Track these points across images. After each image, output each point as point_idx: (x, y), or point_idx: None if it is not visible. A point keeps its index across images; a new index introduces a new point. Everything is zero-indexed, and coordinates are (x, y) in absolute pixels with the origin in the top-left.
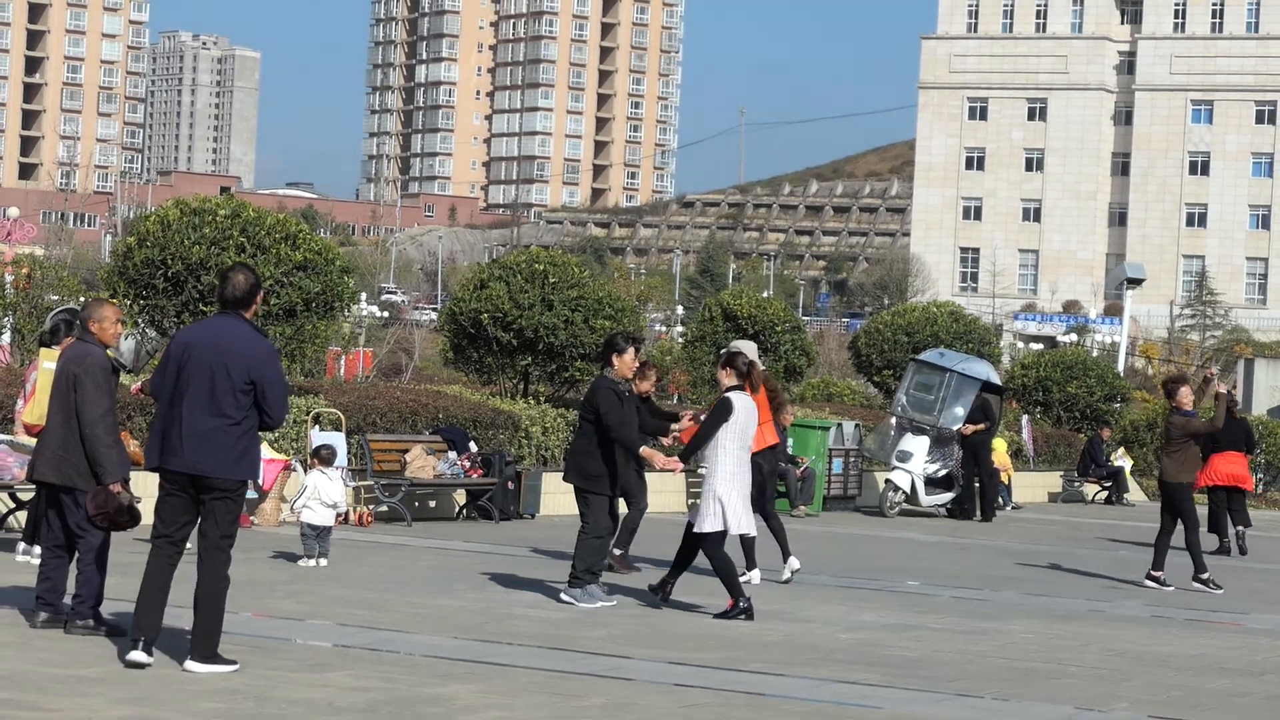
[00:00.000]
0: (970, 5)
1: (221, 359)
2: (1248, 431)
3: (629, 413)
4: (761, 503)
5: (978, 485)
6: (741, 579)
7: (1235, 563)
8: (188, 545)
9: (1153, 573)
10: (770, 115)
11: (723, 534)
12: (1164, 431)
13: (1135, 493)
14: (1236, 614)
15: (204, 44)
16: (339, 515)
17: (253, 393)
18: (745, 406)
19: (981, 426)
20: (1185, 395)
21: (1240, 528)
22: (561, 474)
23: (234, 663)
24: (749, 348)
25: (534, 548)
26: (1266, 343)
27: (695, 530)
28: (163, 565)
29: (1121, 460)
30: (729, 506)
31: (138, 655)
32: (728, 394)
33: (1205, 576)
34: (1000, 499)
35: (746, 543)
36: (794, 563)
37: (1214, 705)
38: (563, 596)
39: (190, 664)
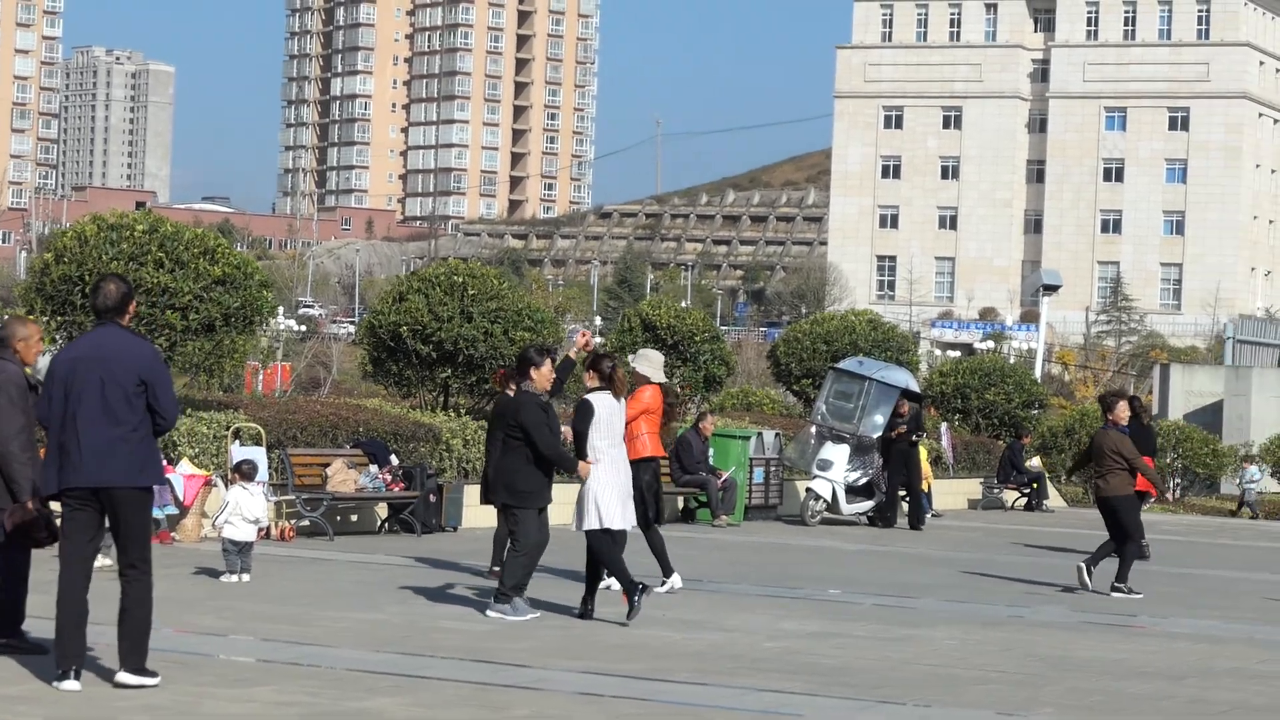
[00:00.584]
0: (884, 15)
1: (108, 367)
2: (1154, 437)
3: (555, 426)
4: (642, 515)
5: (905, 494)
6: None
7: (1150, 567)
8: (99, 562)
9: (1117, 584)
10: (687, 125)
11: (604, 531)
12: (1093, 447)
13: (1054, 498)
14: (1156, 618)
15: (118, 59)
16: (260, 530)
17: (145, 395)
18: (606, 404)
19: (902, 429)
20: (1122, 410)
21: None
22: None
23: (155, 675)
24: (655, 357)
25: (457, 561)
26: (1181, 348)
27: (577, 530)
28: (77, 585)
29: (1035, 466)
30: (603, 504)
31: (70, 684)
32: (587, 395)
33: (1127, 586)
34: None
35: (657, 548)
36: (676, 581)
37: (1135, 709)
38: (490, 612)
39: (122, 675)
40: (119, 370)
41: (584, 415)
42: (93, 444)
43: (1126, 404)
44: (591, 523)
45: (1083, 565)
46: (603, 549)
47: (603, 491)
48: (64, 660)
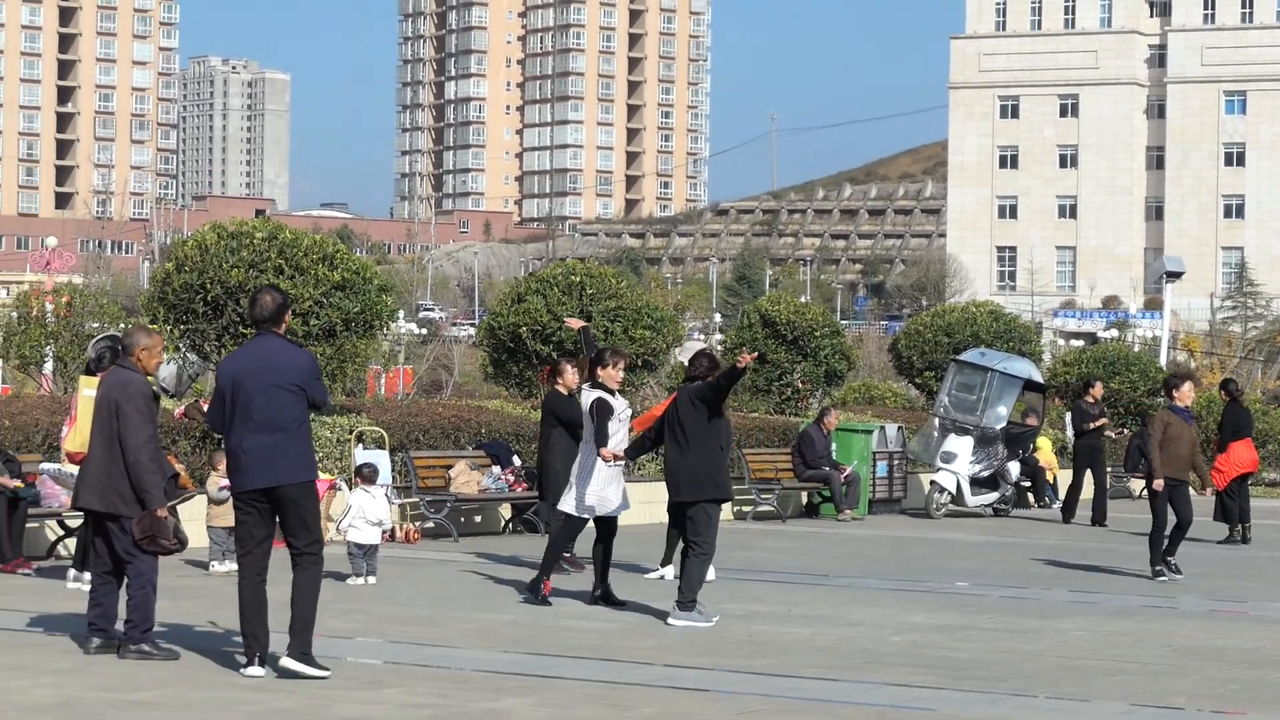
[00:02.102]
0: (998, 4)
1: (268, 376)
2: (1250, 419)
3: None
4: None
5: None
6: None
7: (1265, 553)
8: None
9: (1168, 560)
10: (801, 120)
11: (573, 517)
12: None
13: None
14: None
15: (234, 68)
16: (385, 533)
17: (304, 397)
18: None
19: (1104, 421)
20: (1187, 392)
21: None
22: (680, 496)
23: (326, 670)
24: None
25: (580, 560)
26: None
27: (552, 506)
28: (253, 583)
29: None
30: (581, 493)
31: (254, 670)
32: (601, 394)
33: (1159, 568)
34: (1046, 497)
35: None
36: (669, 572)
37: (1271, 698)
38: (674, 621)
39: (285, 660)
40: (278, 377)
41: (605, 414)
42: (256, 448)
43: (1191, 385)
44: (568, 507)
45: (1159, 570)
46: (561, 531)
47: (581, 482)
48: (248, 649)
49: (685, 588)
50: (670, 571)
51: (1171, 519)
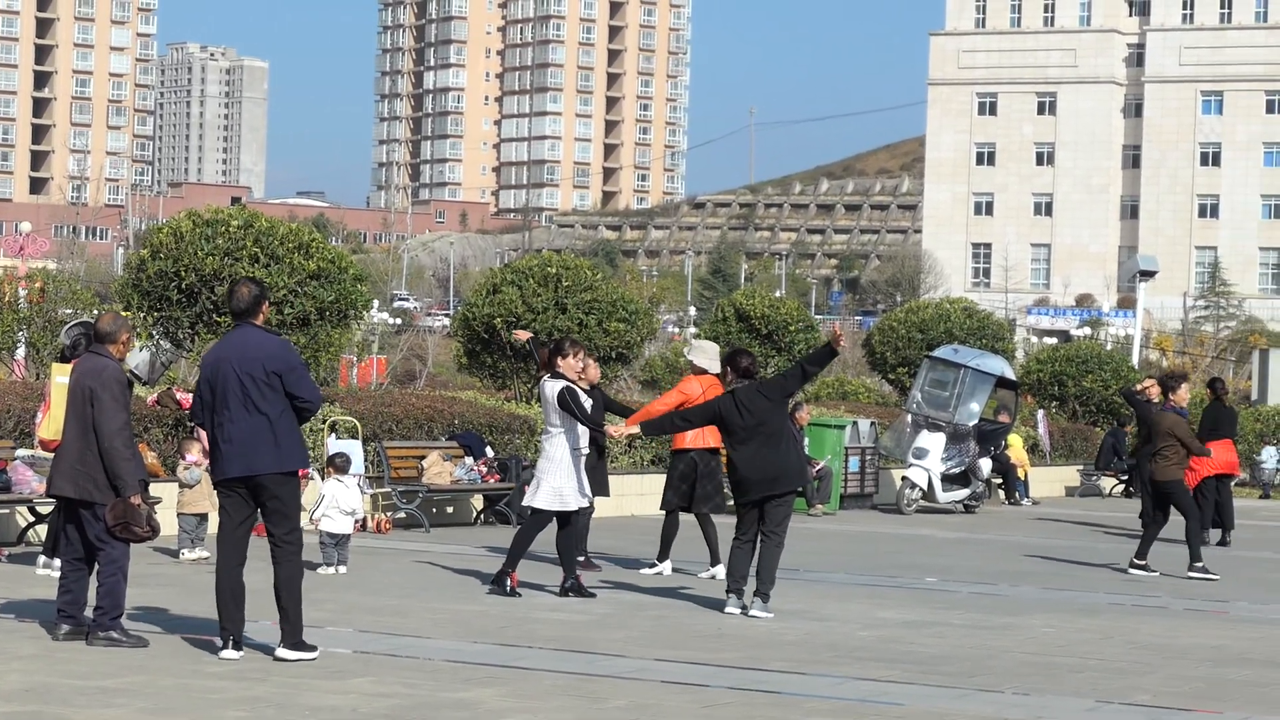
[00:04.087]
0: (978, 1)
1: (243, 365)
2: (1237, 419)
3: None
4: (687, 499)
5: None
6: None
7: (1252, 553)
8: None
9: (1136, 561)
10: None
11: (541, 511)
12: (1146, 427)
13: None
14: (1257, 604)
15: (212, 55)
16: (357, 523)
17: (280, 385)
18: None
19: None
20: (1184, 393)
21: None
22: (774, 489)
23: (315, 649)
24: (710, 348)
25: (552, 551)
26: None
27: (524, 502)
28: (231, 566)
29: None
30: (551, 486)
31: (229, 653)
32: (565, 382)
33: (1201, 565)
34: (1017, 493)
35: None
36: (719, 571)
37: (1236, 696)
38: (756, 613)
39: (280, 650)
40: (252, 365)
41: (576, 396)
42: (237, 437)
43: (1188, 386)
44: (530, 499)
45: (1132, 570)
46: (529, 526)
47: (550, 476)
48: (223, 630)
49: (768, 578)
50: (668, 567)
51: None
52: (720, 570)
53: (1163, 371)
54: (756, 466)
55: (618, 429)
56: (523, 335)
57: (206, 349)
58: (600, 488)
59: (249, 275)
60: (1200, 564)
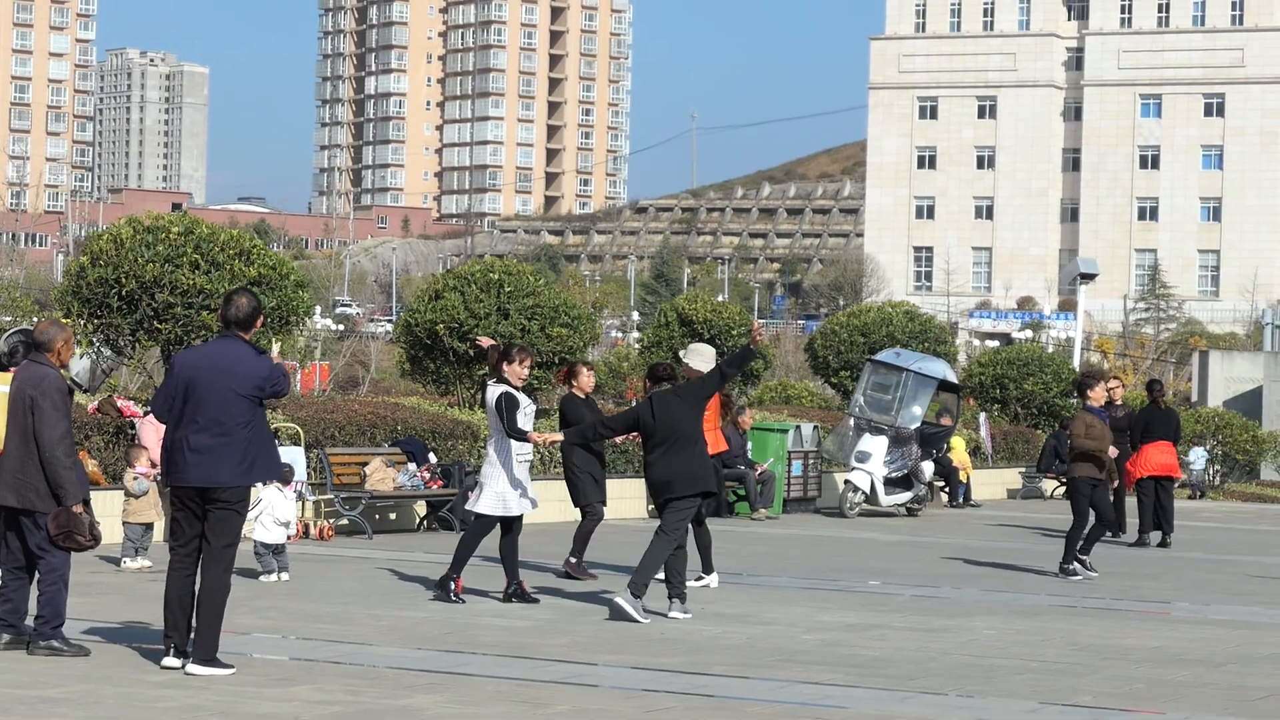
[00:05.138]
0: (918, 5)
1: (226, 379)
2: (1176, 421)
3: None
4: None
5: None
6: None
7: (1190, 554)
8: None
9: (1079, 556)
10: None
11: (486, 516)
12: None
13: None
14: (1197, 605)
15: (151, 60)
16: (290, 535)
17: (257, 403)
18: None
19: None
20: (1099, 392)
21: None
22: (673, 493)
23: (230, 667)
24: (707, 351)
25: (495, 557)
26: (1220, 334)
27: (471, 506)
28: (181, 576)
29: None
30: (495, 491)
31: (170, 660)
32: (508, 388)
33: (1070, 568)
34: (960, 497)
35: (702, 547)
36: (714, 580)
37: (1175, 696)
38: (619, 600)
39: (191, 666)
40: (235, 382)
41: (514, 402)
42: (200, 448)
43: (1103, 386)
44: (473, 504)
45: (1070, 568)
46: (473, 532)
47: (496, 480)
48: (166, 638)
49: (646, 568)
50: (714, 580)
51: (1092, 517)
52: (714, 579)
53: (1084, 370)
54: (660, 470)
55: (541, 435)
56: (486, 342)
57: (168, 353)
58: (598, 495)
59: (246, 288)
60: (1069, 566)
